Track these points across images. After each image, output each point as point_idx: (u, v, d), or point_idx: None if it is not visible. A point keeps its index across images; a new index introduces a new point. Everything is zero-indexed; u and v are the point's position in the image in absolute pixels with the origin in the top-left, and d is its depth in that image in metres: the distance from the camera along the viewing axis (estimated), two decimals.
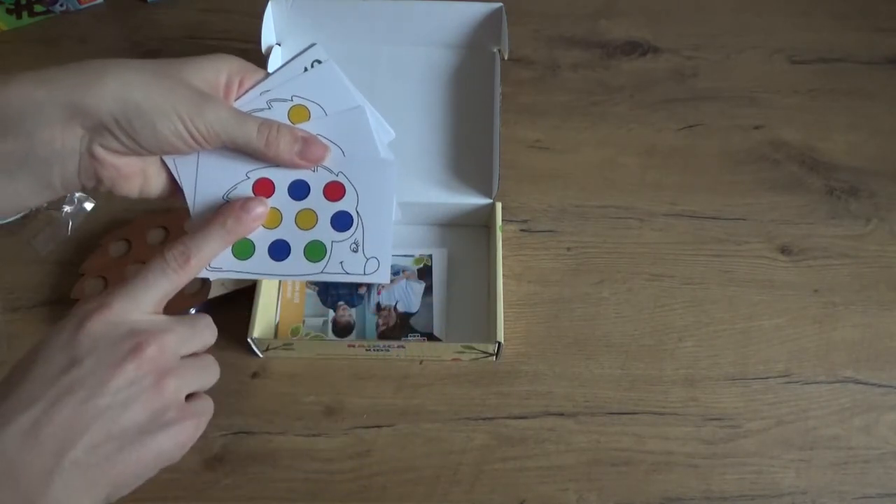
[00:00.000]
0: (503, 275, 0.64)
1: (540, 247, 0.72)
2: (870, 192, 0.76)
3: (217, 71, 0.39)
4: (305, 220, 0.42)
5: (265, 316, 0.64)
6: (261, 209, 0.41)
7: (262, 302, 0.62)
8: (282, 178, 0.41)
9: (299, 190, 0.42)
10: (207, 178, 0.40)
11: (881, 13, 0.89)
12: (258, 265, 0.41)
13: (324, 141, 0.41)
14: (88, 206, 0.71)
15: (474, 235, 0.71)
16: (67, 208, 0.70)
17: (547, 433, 0.62)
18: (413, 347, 0.63)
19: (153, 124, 0.36)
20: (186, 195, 0.41)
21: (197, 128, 0.37)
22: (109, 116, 0.35)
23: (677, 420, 0.63)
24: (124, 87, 0.35)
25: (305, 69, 0.42)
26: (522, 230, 0.73)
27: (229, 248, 0.41)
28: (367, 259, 0.42)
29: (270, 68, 0.66)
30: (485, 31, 0.69)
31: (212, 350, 0.65)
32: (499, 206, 0.67)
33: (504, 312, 0.62)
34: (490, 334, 0.63)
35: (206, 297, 0.64)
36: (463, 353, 0.63)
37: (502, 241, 0.66)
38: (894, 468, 0.62)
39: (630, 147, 0.78)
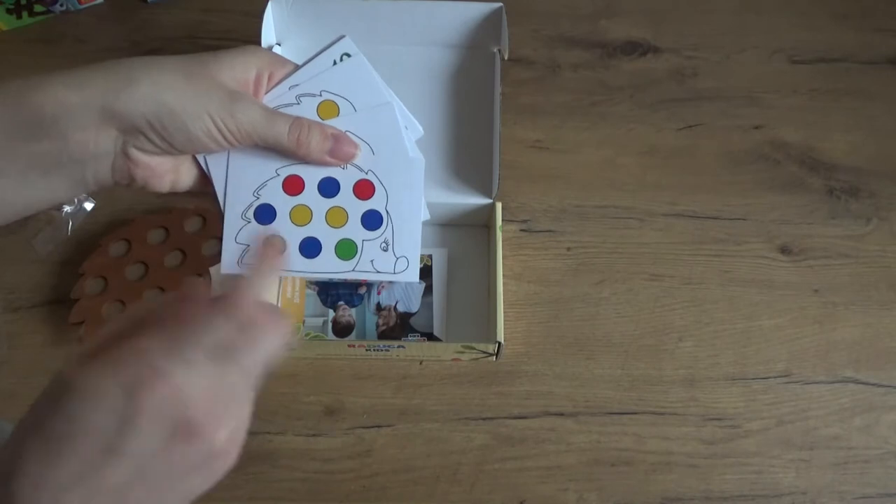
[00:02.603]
0: (503, 275, 0.64)
1: (540, 247, 0.72)
2: (870, 192, 0.76)
3: (247, 66, 0.39)
4: (336, 217, 0.42)
5: None
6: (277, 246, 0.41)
7: None
8: (311, 175, 0.41)
9: (329, 187, 0.42)
10: (238, 175, 0.41)
11: (881, 13, 0.89)
12: (290, 263, 0.41)
13: (353, 138, 0.42)
14: (88, 206, 0.71)
15: (474, 235, 0.71)
16: (67, 208, 0.70)
17: (547, 433, 0.62)
18: (413, 347, 0.63)
19: (186, 126, 0.36)
20: (217, 192, 0.41)
21: (229, 128, 0.37)
22: (142, 119, 0.35)
23: (677, 420, 0.63)
24: (156, 90, 0.35)
25: (334, 62, 0.42)
26: (522, 230, 0.73)
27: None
28: (397, 258, 0.42)
29: None
30: (485, 31, 0.69)
31: None
32: (499, 206, 0.67)
33: (504, 312, 0.62)
34: (490, 334, 0.63)
35: None
36: (463, 353, 0.63)
37: (502, 241, 0.66)
38: (894, 468, 0.62)
39: (630, 147, 0.78)
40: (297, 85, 0.41)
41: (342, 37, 0.42)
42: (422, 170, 0.43)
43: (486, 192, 0.67)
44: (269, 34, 0.67)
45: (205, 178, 0.41)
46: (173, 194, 0.41)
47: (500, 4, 0.67)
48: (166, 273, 0.66)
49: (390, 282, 0.66)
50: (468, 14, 0.68)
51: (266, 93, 0.40)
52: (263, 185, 0.41)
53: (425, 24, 0.68)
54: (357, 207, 0.42)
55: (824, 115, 0.81)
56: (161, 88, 0.35)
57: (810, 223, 0.74)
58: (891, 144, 0.79)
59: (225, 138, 0.37)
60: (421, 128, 0.44)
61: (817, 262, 0.71)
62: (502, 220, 0.67)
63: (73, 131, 0.35)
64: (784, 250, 0.72)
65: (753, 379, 0.65)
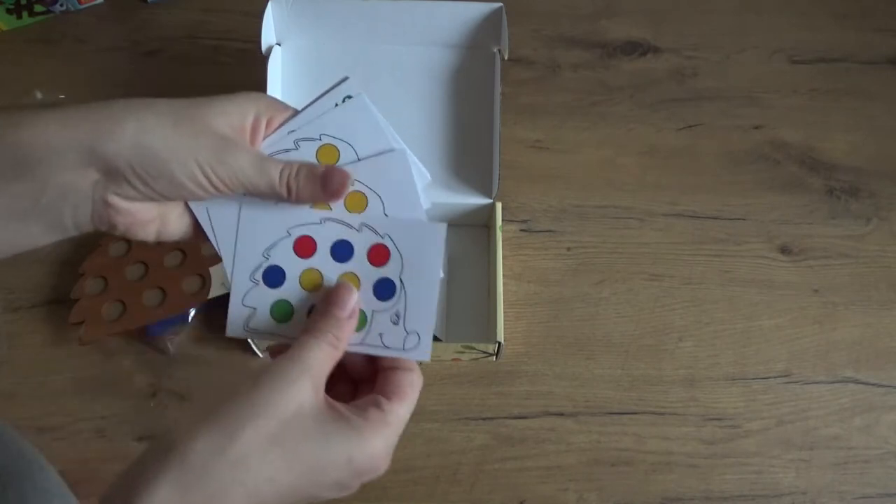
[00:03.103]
0: (503, 275, 0.64)
1: (540, 247, 0.72)
2: (870, 192, 0.76)
3: (243, 113, 0.37)
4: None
5: None
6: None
7: None
8: (324, 237, 0.39)
9: (342, 251, 0.39)
10: (248, 233, 0.38)
11: (881, 13, 0.89)
12: (296, 329, 0.38)
13: (361, 188, 0.39)
14: None
15: (474, 235, 0.71)
16: None
17: (547, 433, 0.62)
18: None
19: (170, 172, 0.34)
20: (223, 255, 0.39)
21: (218, 175, 0.35)
22: (125, 163, 0.34)
23: (677, 420, 0.63)
24: (143, 133, 0.34)
25: (336, 105, 0.39)
26: (522, 230, 0.73)
27: (267, 309, 0.39)
28: (408, 333, 0.39)
29: (270, 68, 0.66)
30: (485, 31, 0.69)
31: (212, 350, 0.65)
32: (499, 206, 0.67)
33: (504, 312, 0.62)
34: (490, 334, 0.62)
35: (206, 296, 0.64)
36: (463, 353, 0.63)
37: (502, 241, 0.66)
38: (894, 468, 0.62)
39: (630, 147, 0.78)
40: (295, 130, 0.39)
41: (345, 78, 0.39)
42: (443, 236, 0.39)
43: (486, 192, 0.67)
44: (269, 34, 0.67)
45: (198, 229, 0.39)
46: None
47: (500, 4, 0.67)
48: (166, 273, 0.66)
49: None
50: (468, 14, 0.68)
51: (264, 138, 0.38)
52: (274, 245, 0.39)
53: (425, 24, 0.68)
54: (370, 274, 0.39)
55: (824, 115, 0.81)
56: (148, 132, 0.34)
57: (810, 223, 0.74)
58: (891, 144, 0.79)
59: (213, 185, 0.35)
60: (427, 174, 0.41)
61: (817, 262, 0.71)
62: (502, 220, 0.67)
63: (52, 172, 0.33)
64: (784, 250, 0.72)
65: (753, 379, 0.65)
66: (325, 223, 0.39)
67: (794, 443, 0.62)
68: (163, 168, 0.34)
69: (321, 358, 0.35)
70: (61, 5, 0.84)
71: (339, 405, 0.35)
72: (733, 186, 0.76)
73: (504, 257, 0.67)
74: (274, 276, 0.39)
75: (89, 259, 0.67)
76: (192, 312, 0.66)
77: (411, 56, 0.70)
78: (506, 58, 0.68)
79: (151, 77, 0.81)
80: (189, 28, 0.84)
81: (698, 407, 0.64)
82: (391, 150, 0.39)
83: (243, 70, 0.80)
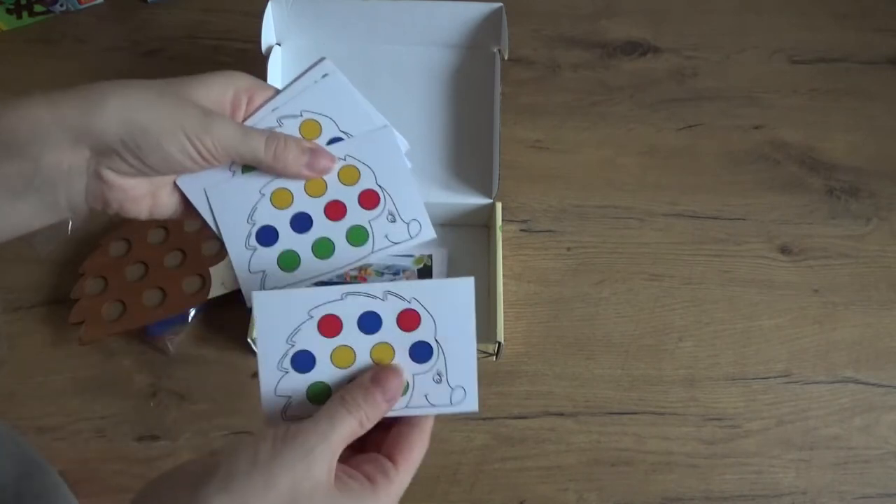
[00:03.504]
0: (503, 275, 0.64)
1: (540, 247, 0.72)
2: (870, 192, 0.76)
3: (224, 88, 0.39)
4: (382, 354, 0.38)
5: None
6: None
7: None
8: (349, 313, 0.38)
9: (371, 323, 0.38)
10: (268, 324, 0.38)
11: (881, 13, 0.89)
12: None
13: (354, 162, 0.41)
14: None
15: (474, 235, 0.71)
16: None
17: (547, 433, 0.62)
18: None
19: (160, 144, 0.35)
20: (222, 234, 0.40)
21: (205, 145, 0.36)
22: (116, 138, 0.35)
23: (677, 420, 0.63)
24: (129, 109, 0.35)
25: (315, 83, 0.41)
26: (522, 230, 0.73)
27: (304, 395, 0.38)
28: (453, 389, 0.38)
29: (270, 68, 0.66)
30: (485, 31, 0.69)
31: (212, 350, 0.65)
32: (499, 206, 0.67)
33: (504, 312, 0.62)
34: (490, 334, 0.62)
35: (206, 296, 0.64)
36: None
37: (502, 241, 0.66)
38: (894, 468, 0.62)
39: (630, 147, 0.78)
40: (277, 108, 0.40)
41: (322, 59, 0.41)
42: (472, 289, 0.39)
43: (486, 192, 0.67)
44: (269, 34, 0.67)
45: (188, 206, 0.40)
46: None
47: (500, 4, 0.67)
48: (166, 273, 0.66)
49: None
50: (468, 14, 0.68)
51: (247, 117, 0.40)
52: (296, 330, 0.38)
53: (425, 24, 0.68)
54: (404, 340, 0.38)
55: (824, 115, 0.81)
56: (134, 108, 0.35)
57: (810, 223, 0.74)
58: (891, 144, 0.79)
59: (201, 155, 0.37)
60: (406, 142, 0.43)
61: (817, 262, 0.71)
62: (502, 220, 0.67)
63: (45, 151, 0.34)
64: (784, 250, 0.72)
65: (753, 379, 0.65)
66: (346, 298, 0.38)
67: (794, 443, 0.62)
68: (151, 140, 0.35)
69: (346, 434, 0.34)
70: (61, 5, 0.84)
71: (349, 475, 0.34)
72: (733, 186, 0.76)
73: (504, 257, 0.67)
74: (303, 362, 0.38)
75: (89, 259, 0.67)
76: (192, 312, 0.66)
77: (411, 56, 0.70)
78: (506, 58, 0.68)
79: (151, 77, 0.80)
80: (189, 28, 0.84)
81: (698, 407, 0.64)
82: (380, 127, 0.41)
83: (243, 70, 0.80)
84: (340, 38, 0.69)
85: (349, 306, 0.38)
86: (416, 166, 0.67)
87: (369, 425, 0.35)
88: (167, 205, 0.40)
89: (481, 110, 0.69)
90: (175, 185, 0.39)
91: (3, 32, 0.82)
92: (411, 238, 0.41)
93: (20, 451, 0.51)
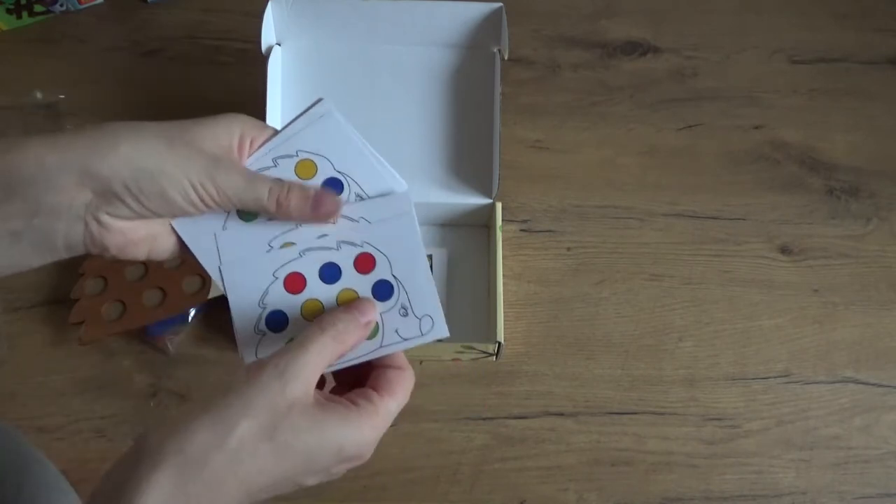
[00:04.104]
0: (503, 275, 0.64)
1: (540, 247, 0.72)
2: (870, 192, 0.76)
3: (229, 132, 0.39)
4: (347, 300, 0.40)
5: None
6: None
7: None
8: (309, 268, 0.40)
9: (331, 273, 0.40)
10: (238, 289, 0.40)
11: (881, 13, 0.89)
12: None
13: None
14: None
15: (474, 235, 0.71)
16: None
17: (547, 433, 0.62)
18: (413, 347, 0.62)
19: (163, 190, 0.36)
20: (210, 272, 0.40)
21: (208, 192, 0.37)
22: (121, 183, 0.35)
23: (677, 420, 0.63)
24: (137, 155, 0.35)
25: (311, 124, 0.41)
26: (522, 230, 0.73)
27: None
28: (420, 318, 0.40)
29: (270, 68, 0.66)
30: (485, 31, 0.69)
31: (212, 350, 0.65)
32: (499, 206, 0.67)
33: (504, 312, 0.62)
34: (490, 334, 0.62)
35: (205, 297, 0.64)
36: (463, 353, 0.63)
37: (502, 241, 0.66)
38: (894, 468, 0.62)
39: (630, 147, 0.78)
40: (273, 148, 0.40)
41: (319, 99, 0.41)
42: (414, 222, 0.41)
43: (486, 192, 0.67)
44: (269, 34, 0.67)
45: (185, 245, 0.40)
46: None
47: (500, 4, 0.67)
48: (166, 273, 0.66)
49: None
50: (468, 14, 0.68)
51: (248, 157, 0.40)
52: (265, 292, 0.40)
53: (425, 24, 0.68)
54: (364, 283, 0.40)
55: (824, 115, 0.81)
56: (142, 154, 0.35)
57: (810, 223, 0.74)
58: (891, 144, 0.79)
59: (203, 202, 0.37)
60: (405, 182, 0.42)
61: (817, 262, 0.71)
62: (502, 220, 0.67)
63: (46, 192, 0.34)
64: (784, 250, 0.72)
65: (753, 379, 0.65)
66: (305, 254, 0.40)
67: (794, 443, 0.62)
68: (156, 186, 0.35)
69: (320, 350, 0.36)
70: (61, 5, 0.84)
71: (330, 396, 0.36)
72: (733, 186, 0.76)
73: (504, 257, 0.67)
74: (277, 321, 0.40)
75: (89, 259, 0.67)
76: (192, 312, 0.66)
77: (411, 56, 0.70)
78: (506, 58, 0.68)
79: (151, 77, 0.81)
80: (189, 28, 0.84)
81: (698, 407, 0.64)
82: (391, 193, 0.41)
83: (243, 70, 0.80)
84: (340, 38, 0.69)
85: (309, 261, 0.40)
86: (417, 166, 0.68)
87: (348, 343, 0.37)
88: (166, 246, 0.40)
89: (481, 110, 0.69)
90: (172, 229, 0.39)
91: (3, 32, 0.82)
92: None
93: (18, 445, 0.52)
